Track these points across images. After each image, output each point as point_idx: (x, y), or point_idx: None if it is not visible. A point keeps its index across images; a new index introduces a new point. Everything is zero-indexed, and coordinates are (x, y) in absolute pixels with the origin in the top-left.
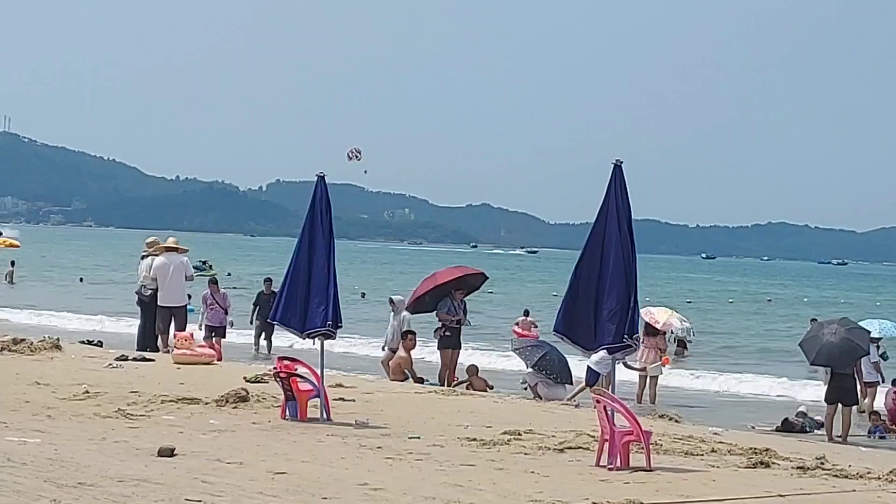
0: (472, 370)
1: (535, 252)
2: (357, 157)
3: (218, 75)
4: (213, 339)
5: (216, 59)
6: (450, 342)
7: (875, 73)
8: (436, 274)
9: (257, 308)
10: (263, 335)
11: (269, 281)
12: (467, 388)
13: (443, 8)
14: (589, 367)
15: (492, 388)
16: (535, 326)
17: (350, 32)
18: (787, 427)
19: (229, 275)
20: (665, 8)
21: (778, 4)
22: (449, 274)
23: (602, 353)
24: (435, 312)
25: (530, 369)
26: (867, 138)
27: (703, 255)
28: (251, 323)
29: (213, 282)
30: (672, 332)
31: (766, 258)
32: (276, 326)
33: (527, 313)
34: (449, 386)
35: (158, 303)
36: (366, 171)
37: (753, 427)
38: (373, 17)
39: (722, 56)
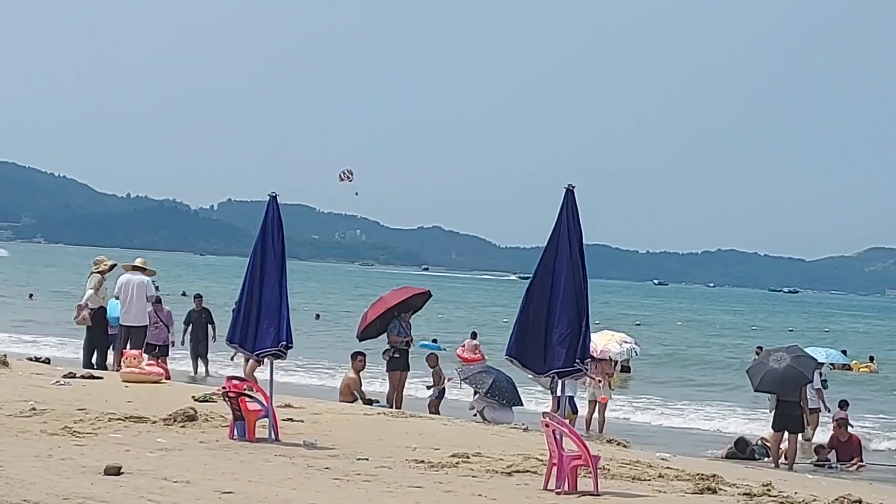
0: (434, 360)
1: (527, 278)
2: (349, 178)
3: (170, 93)
4: (158, 358)
5: (169, 75)
6: (398, 364)
7: (822, 103)
8: (383, 298)
9: (189, 327)
10: (199, 356)
11: (199, 297)
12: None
13: (395, 31)
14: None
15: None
16: (479, 350)
17: (301, 53)
18: (741, 447)
19: (184, 294)
20: (617, 39)
21: (731, 43)
22: (397, 296)
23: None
24: (386, 335)
25: (476, 395)
26: (817, 169)
27: (655, 282)
28: (182, 343)
29: (157, 300)
30: (611, 358)
31: (711, 285)
32: (209, 346)
33: (474, 335)
34: (398, 408)
35: (120, 322)
36: (357, 193)
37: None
38: (324, 38)
39: (674, 86)
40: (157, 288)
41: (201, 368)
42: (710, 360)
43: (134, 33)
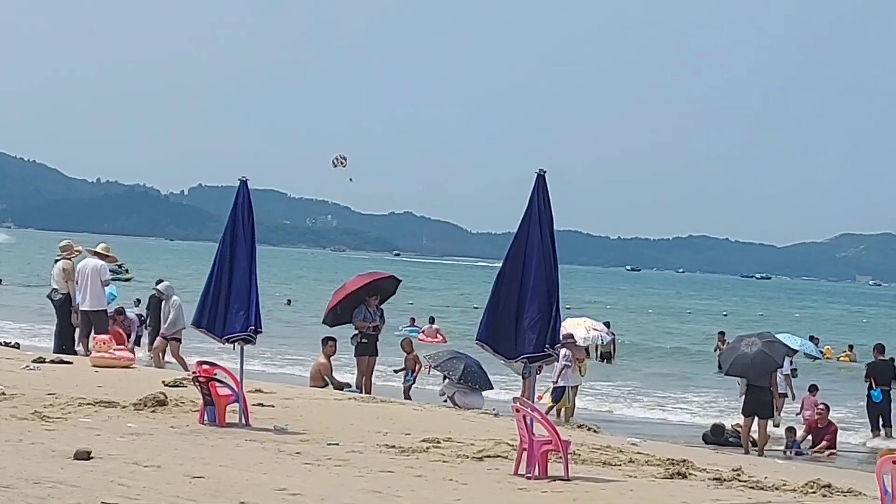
0: (407, 343)
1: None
2: (342, 163)
3: (141, 78)
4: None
5: (138, 61)
6: (366, 349)
7: (794, 92)
8: (345, 283)
9: (149, 314)
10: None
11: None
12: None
13: (366, 14)
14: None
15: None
16: (440, 333)
17: (272, 36)
18: (717, 432)
19: (160, 281)
20: (591, 26)
21: (706, 32)
22: (358, 282)
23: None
24: (352, 320)
25: (445, 380)
26: (789, 155)
27: (628, 268)
28: (146, 327)
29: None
30: (573, 342)
31: (681, 270)
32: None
33: (432, 320)
34: (368, 393)
35: (80, 307)
36: (351, 179)
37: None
38: (293, 21)
39: (648, 73)
40: (127, 271)
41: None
42: (688, 350)
43: (105, 22)
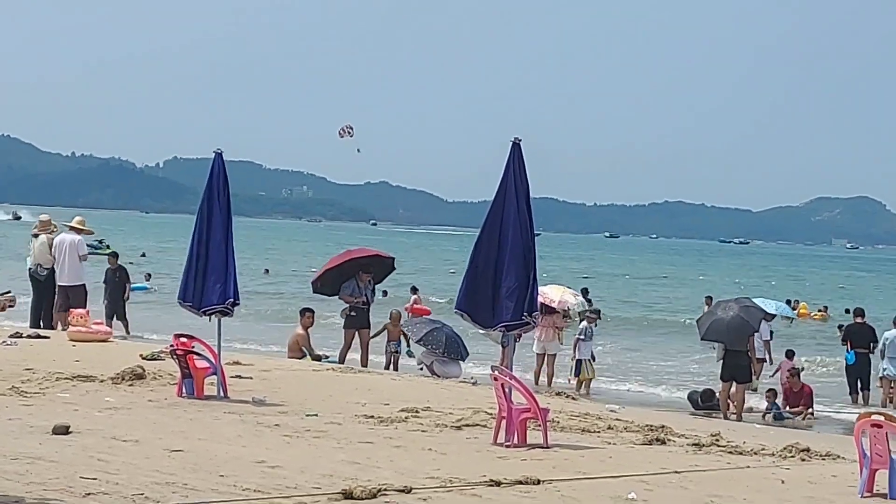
0: (395, 316)
1: (538, 234)
2: (350, 133)
3: (113, 50)
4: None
5: (112, 32)
6: (354, 322)
7: (767, 55)
8: (344, 252)
9: (106, 287)
10: (116, 316)
11: (114, 256)
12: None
13: None
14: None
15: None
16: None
17: (248, 7)
18: (706, 396)
19: (143, 255)
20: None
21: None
22: (357, 253)
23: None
24: (339, 295)
25: (423, 349)
26: (763, 119)
27: (607, 234)
28: (103, 303)
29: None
30: (569, 309)
31: (654, 236)
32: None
33: (414, 290)
34: (364, 366)
35: (57, 282)
36: (359, 150)
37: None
38: None
39: (624, 40)
40: (107, 247)
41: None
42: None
43: None
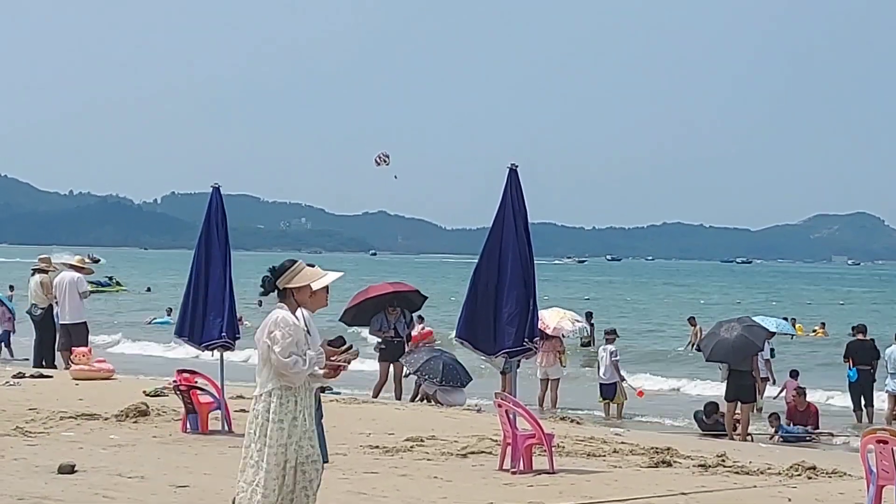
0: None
1: (584, 261)
2: (385, 161)
3: (109, 87)
4: None
5: (106, 70)
6: (386, 355)
7: (764, 72)
8: (370, 287)
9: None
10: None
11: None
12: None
13: (335, 18)
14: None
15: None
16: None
17: (243, 43)
18: (709, 409)
19: (149, 290)
20: (558, 21)
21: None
22: (382, 288)
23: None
24: (369, 330)
25: (424, 381)
26: (761, 137)
27: (609, 257)
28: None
29: None
30: (564, 336)
31: (650, 258)
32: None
33: (421, 319)
34: (398, 399)
35: (59, 321)
36: (396, 176)
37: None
38: (260, 28)
39: (617, 64)
40: (117, 283)
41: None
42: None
43: (73, 34)
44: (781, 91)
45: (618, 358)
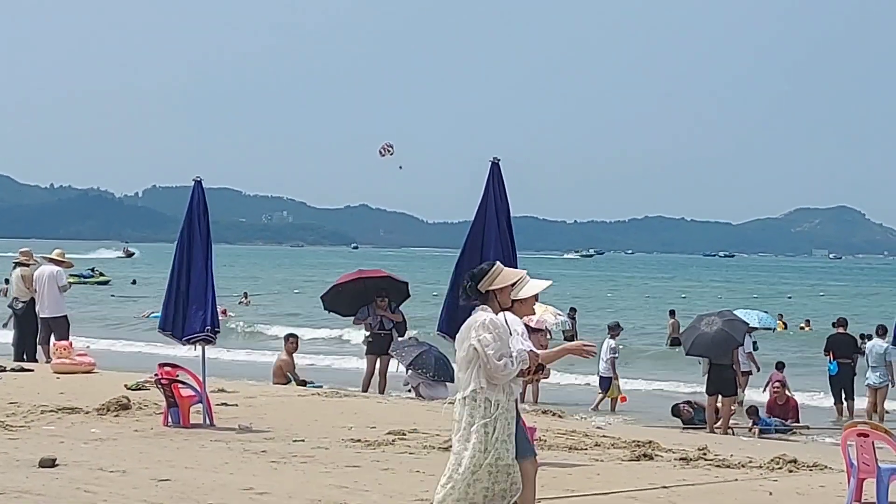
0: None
1: (591, 255)
2: (389, 151)
3: (90, 80)
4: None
5: (88, 63)
6: (373, 348)
7: (745, 68)
8: (359, 270)
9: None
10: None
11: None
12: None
13: (318, 10)
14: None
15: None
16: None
17: (224, 37)
18: (675, 414)
19: (134, 283)
20: (541, 17)
21: (655, 17)
22: (370, 273)
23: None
24: (353, 319)
25: (409, 371)
26: (742, 131)
27: (592, 251)
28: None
29: None
30: (548, 328)
31: (630, 252)
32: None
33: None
34: (381, 392)
35: (39, 315)
36: (401, 167)
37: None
38: (248, 15)
39: (599, 59)
40: (100, 274)
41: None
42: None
43: (52, 24)
44: (764, 88)
45: (616, 355)
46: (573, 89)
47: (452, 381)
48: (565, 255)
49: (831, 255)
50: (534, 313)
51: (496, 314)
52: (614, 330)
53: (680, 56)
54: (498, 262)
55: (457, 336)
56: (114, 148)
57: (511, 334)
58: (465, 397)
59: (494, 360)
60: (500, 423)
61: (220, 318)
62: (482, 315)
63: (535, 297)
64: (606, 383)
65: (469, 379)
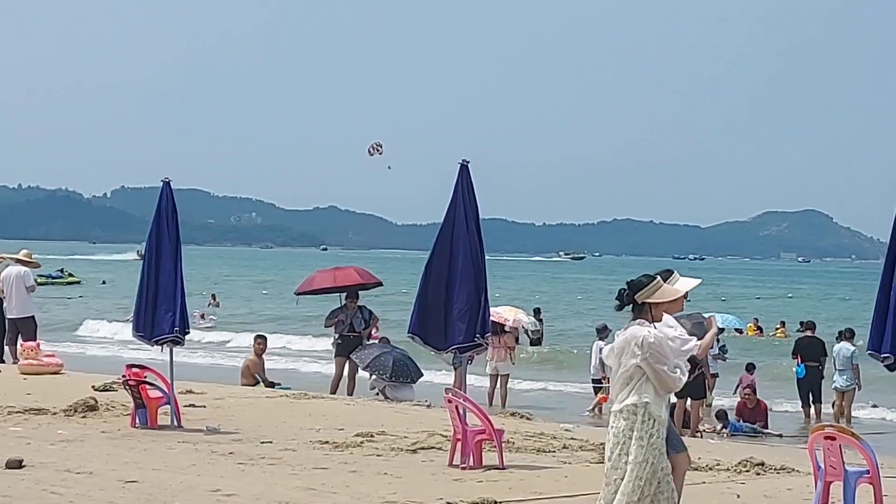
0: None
1: (581, 258)
2: (378, 150)
3: (57, 79)
4: None
5: (53, 61)
6: (342, 350)
7: (712, 71)
8: (338, 273)
9: None
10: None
11: None
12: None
13: (280, 9)
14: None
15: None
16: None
17: (192, 36)
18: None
19: (104, 283)
20: (508, 20)
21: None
22: (348, 279)
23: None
24: (325, 321)
25: (373, 375)
26: (709, 134)
27: (584, 254)
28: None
29: None
30: (524, 329)
31: (597, 254)
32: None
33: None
34: (350, 395)
35: (6, 315)
36: (389, 167)
37: None
38: (216, 17)
39: (564, 62)
40: (69, 275)
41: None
42: None
43: (18, 23)
44: (730, 91)
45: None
46: (542, 91)
47: (413, 381)
48: (554, 258)
49: (800, 259)
50: (682, 310)
51: (649, 325)
52: (603, 332)
53: (648, 59)
54: (658, 278)
55: (611, 348)
56: (82, 148)
57: (671, 342)
58: (621, 410)
59: (669, 373)
60: (660, 436)
61: (200, 322)
62: (641, 331)
63: (685, 295)
64: (598, 384)
65: (629, 393)
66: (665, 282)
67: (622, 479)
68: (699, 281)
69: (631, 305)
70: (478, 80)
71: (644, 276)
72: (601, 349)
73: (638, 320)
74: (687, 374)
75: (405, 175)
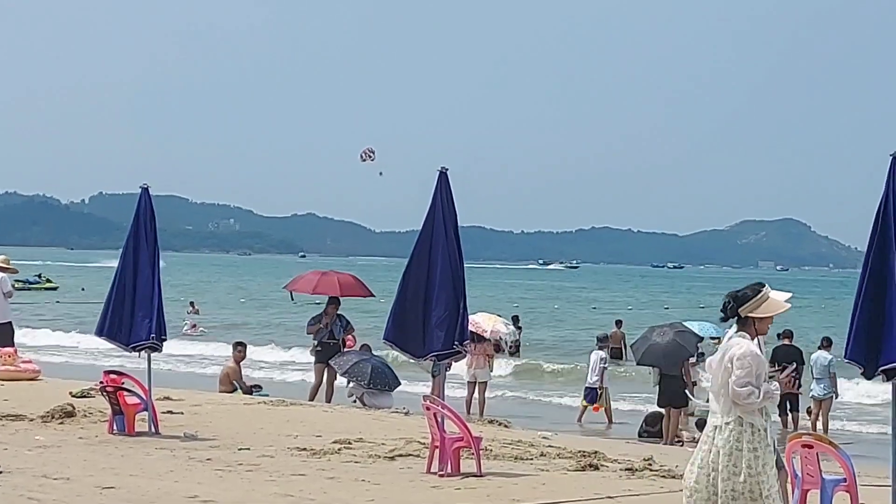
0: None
1: (576, 267)
2: (371, 157)
3: (35, 84)
4: None
5: (30, 65)
6: (322, 357)
7: (692, 79)
8: (336, 281)
9: None
10: None
11: None
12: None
13: (259, 15)
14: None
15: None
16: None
17: (171, 42)
18: (651, 420)
19: (83, 290)
20: (495, 25)
21: (601, 28)
22: (345, 290)
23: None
24: (306, 327)
25: (351, 382)
26: (688, 143)
27: (540, 262)
28: None
29: None
30: (501, 338)
31: (574, 263)
32: None
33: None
34: (328, 402)
35: None
36: (381, 173)
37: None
38: (193, 21)
39: (545, 65)
40: (47, 280)
41: None
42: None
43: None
44: (709, 101)
45: (606, 365)
46: (521, 99)
47: (391, 389)
48: (549, 266)
49: (778, 267)
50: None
51: (752, 339)
52: (603, 342)
53: (627, 67)
54: (766, 288)
55: (709, 362)
56: (59, 154)
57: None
58: (727, 423)
59: (736, 387)
60: (767, 447)
61: (189, 331)
62: (742, 343)
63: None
64: (593, 394)
65: (731, 405)
66: (757, 295)
67: (731, 491)
68: (790, 295)
69: (735, 318)
70: (456, 88)
71: (749, 289)
72: (601, 358)
73: (740, 333)
74: (759, 402)
75: (384, 182)
